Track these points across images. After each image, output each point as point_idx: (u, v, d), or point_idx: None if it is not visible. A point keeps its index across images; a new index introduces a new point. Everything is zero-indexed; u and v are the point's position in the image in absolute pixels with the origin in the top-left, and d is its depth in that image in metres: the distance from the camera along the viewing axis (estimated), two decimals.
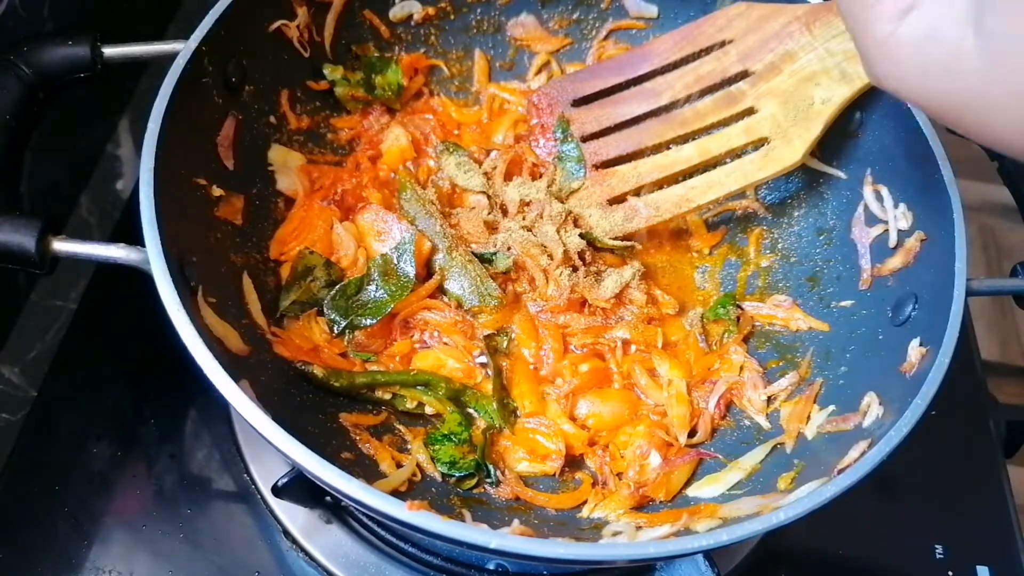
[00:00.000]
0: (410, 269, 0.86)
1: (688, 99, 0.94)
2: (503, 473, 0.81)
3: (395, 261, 0.87)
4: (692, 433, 0.84)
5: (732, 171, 0.91)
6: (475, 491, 0.80)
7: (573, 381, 0.86)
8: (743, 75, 0.91)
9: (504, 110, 1.06)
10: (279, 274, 0.88)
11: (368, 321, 0.85)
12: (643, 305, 0.90)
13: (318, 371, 0.81)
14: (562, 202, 0.93)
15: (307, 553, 0.84)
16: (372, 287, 0.86)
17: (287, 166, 0.93)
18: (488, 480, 0.80)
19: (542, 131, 0.98)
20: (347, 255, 0.89)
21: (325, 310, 0.86)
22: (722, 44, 0.92)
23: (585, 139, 0.96)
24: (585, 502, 0.80)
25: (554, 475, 0.82)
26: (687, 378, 0.87)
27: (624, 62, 0.97)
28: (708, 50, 0.93)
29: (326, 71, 0.97)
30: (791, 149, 0.88)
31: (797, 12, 0.88)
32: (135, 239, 0.69)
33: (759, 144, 0.90)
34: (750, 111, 0.90)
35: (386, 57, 1.01)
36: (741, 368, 0.88)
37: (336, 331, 0.85)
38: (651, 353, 0.89)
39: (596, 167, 0.95)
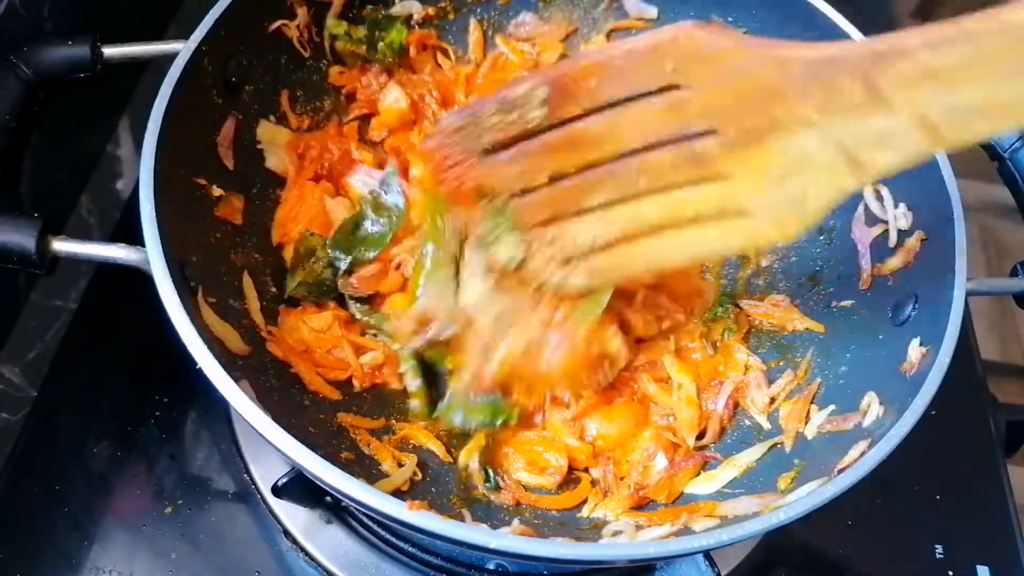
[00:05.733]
0: (399, 200, 0.89)
1: (641, 149, 0.67)
2: (503, 479, 0.81)
3: (383, 195, 0.89)
4: (700, 436, 0.84)
5: (706, 235, 0.68)
6: (475, 494, 0.80)
7: (579, 404, 0.84)
8: (711, 132, 0.65)
9: (505, 64, 1.05)
10: (278, 273, 0.88)
11: (372, 253, 0.87)
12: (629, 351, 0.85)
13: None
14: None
15: (307, 553, 0.84)
16: (367, 223, 0.89)
17: (275, 143, 0.92)
18: (487, 484, 0.80)
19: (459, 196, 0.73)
20: None
21: (329, 251, 0.87)
22: (676, 87, 0.65)
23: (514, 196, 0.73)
24: (585, 501, 0.80)
25: (551, 488, 0.82)
26: (696, 381, 0.86)
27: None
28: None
29: (329, 23, 0.96)
30: (780, 231, 0.65)
31: (776, 54, 0.61)
32: (135, 239, 0.69)
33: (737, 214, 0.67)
34: (724, 175, 0.65)
35: (392, 16, 1.00)
36: (746, 367, 0.87)
37: (343, 268, 0.87)
38: (661, 356, 0.88)
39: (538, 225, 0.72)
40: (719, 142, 0.64)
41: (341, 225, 0.88)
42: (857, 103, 0.57)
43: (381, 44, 0.98)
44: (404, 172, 0.94)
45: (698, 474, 0.82)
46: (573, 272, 0.72)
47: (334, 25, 0.96)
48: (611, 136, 0.67)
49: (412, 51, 1.01)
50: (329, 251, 0.87)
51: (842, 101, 0.58)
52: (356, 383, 0.84)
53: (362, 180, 0.93)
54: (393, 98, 0.97)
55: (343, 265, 0.87)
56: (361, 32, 0.98)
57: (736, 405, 0.87)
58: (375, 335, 0.87)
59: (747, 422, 0.85)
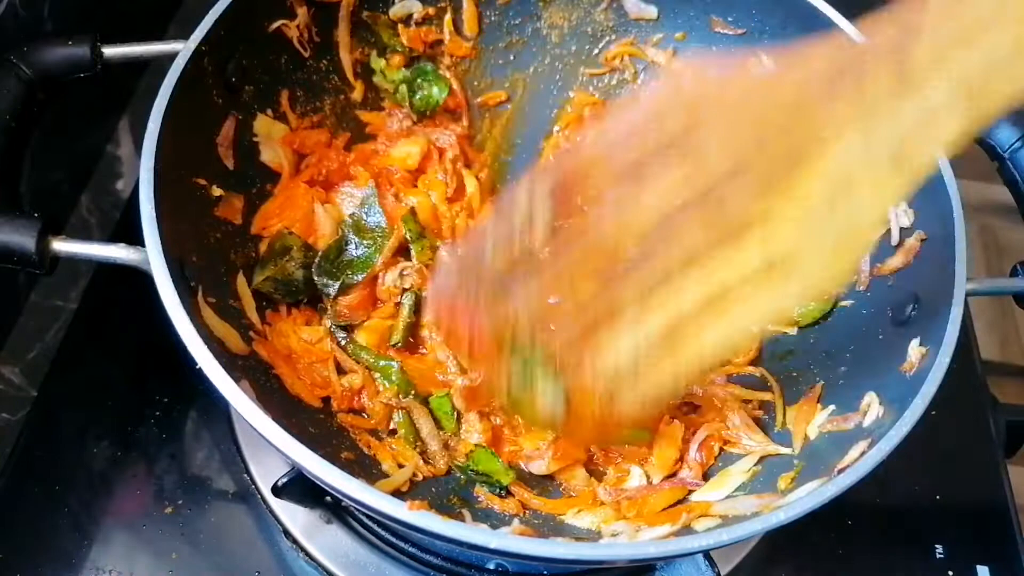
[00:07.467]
0: (381, 220, 0.89)
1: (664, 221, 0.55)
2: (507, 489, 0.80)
3: (364, 217, 0.89)
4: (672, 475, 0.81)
5: (759, 297, 0.56)
6: (479, 506, 0.80)
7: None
8: (737, 172, 0.54)
9: None
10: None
11: (359, 276, 0.87)
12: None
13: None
14: None
15: (307, 553, 0.84)
16: (351, 247, 0.88)
17: (271, 137, 0.92)
18: (491, 489, 0.80)
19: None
20: (324, 236, 0.90)
21: (316, 277, 0.86)
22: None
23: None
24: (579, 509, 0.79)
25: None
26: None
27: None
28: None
29: (347, 56, 0.98)
30: (835, 268, 0.56)
31: (792, 77, 0.54)
32: (135, 239, 0.69)
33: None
34: (762, 215, 0.54)
35: (440, 73, 1.01)
36: (725, 407, 0.83)
37: (333, 294, 0.86)
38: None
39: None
40: (748, 180, 0.54)
41: (325, 251, 0.87)
42: (891, 92, 0.52)
43: (418, 95, 0.99)
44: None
45: (681, 499, 0.78)
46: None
47: (373, 60, 0.99)
48: (629, 222, 0.55)
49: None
50: (316, 278, 0.86)
51: (875, 93, 0.52)
52: (334, 404, 0.83)
53: (344, 196, 0.92)
54: (406, 152, 0.97)
55: (332, 291, 0.86)
56: (399, 75, 0.99)
57: (721, 449, 0.82)
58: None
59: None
